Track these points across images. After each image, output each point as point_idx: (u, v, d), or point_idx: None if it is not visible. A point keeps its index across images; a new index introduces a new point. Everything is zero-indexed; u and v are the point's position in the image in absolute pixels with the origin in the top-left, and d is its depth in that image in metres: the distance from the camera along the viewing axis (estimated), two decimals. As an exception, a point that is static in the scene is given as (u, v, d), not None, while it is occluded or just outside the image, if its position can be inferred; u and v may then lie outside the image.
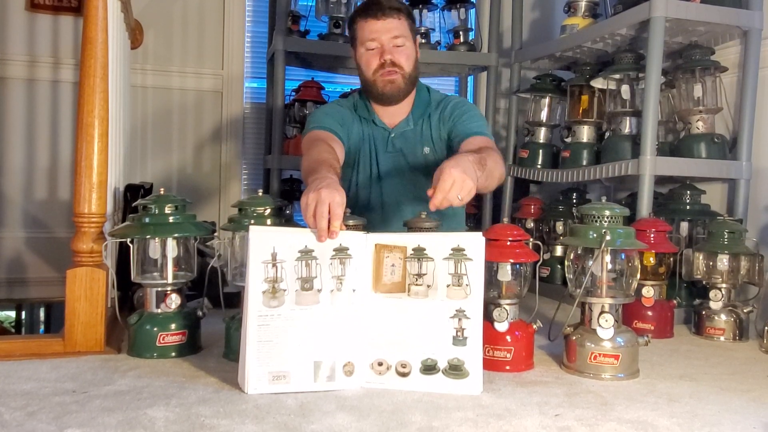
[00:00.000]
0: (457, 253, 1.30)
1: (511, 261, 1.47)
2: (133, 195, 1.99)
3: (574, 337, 1.47)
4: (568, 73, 2.79)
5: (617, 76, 2.37)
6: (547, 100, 2.74)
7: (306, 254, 1.29)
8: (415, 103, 1.95)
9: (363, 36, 1.83)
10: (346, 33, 2.48)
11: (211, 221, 2.36)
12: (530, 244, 1.52)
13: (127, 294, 1.88)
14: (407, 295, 1.32)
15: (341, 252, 1.31)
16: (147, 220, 1.51)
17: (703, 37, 2.32)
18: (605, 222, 1.48)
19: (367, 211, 1.91)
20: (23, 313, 3.05)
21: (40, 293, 2.81)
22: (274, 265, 1.27)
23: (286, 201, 1.60)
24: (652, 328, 1.83)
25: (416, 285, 1.31)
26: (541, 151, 2.74)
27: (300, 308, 1.28)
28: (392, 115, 1.94)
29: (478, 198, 2.97)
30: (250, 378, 1.25)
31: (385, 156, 1.95)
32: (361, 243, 1.32)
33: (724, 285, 1.86)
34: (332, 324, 1.30)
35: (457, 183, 1.33)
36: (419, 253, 1.31)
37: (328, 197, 1.28)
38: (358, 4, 2.36)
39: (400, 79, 1.85)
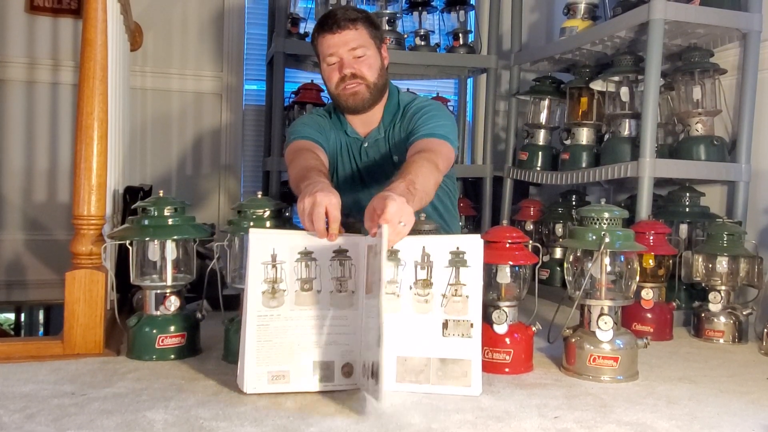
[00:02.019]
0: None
1: (510, 263, 1.47)
2: (132, 197, 2.00)
3: (573, 340, 1.47)
4: (568, 76, 2.79)
5: (616, 78, 2.37)
6: (546, 102, 2.74)
7: (306, 256, 1.29)
8: (386, 109, 1.90)
9: (323, 51, 1.81)
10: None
11: (211, 223, 2.37)
12: (529, 246, 1.52)
13: (127, 296, 1.88)
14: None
15: (340, 254, 1.31)
16: (146, 222, 1.51)
17: (702, 40, 2.32)
18: (604, 224, 1.48)
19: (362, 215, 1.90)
20: (22, 315, 3.05)
21: (40, 295, 2.81)
22: (273, 266, 1.27)
23: (285, 203, 1.60)
24: (652, 330, 1.83)
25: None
26: (540, 153, 2.75)
27: (299, 309, 1.28)
28: (364, 124, 1.91)
29: (478, 200, 2.98)
30: (248, 377, 1.25)
31: (362, 164, 1.94)
32: (360, 245, 1.32)
33: (723, 287, 1.86)
34: (331, 325, 1.30)
35: (403, 211, 1.26)
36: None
37: (324, 200, 1.28)
38: (357, 7, 2.37)
39: (364, 89, 1.81)
